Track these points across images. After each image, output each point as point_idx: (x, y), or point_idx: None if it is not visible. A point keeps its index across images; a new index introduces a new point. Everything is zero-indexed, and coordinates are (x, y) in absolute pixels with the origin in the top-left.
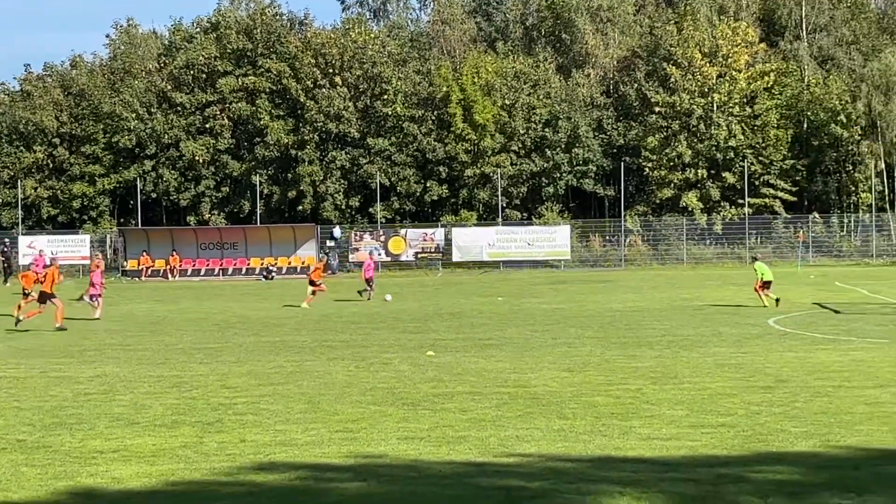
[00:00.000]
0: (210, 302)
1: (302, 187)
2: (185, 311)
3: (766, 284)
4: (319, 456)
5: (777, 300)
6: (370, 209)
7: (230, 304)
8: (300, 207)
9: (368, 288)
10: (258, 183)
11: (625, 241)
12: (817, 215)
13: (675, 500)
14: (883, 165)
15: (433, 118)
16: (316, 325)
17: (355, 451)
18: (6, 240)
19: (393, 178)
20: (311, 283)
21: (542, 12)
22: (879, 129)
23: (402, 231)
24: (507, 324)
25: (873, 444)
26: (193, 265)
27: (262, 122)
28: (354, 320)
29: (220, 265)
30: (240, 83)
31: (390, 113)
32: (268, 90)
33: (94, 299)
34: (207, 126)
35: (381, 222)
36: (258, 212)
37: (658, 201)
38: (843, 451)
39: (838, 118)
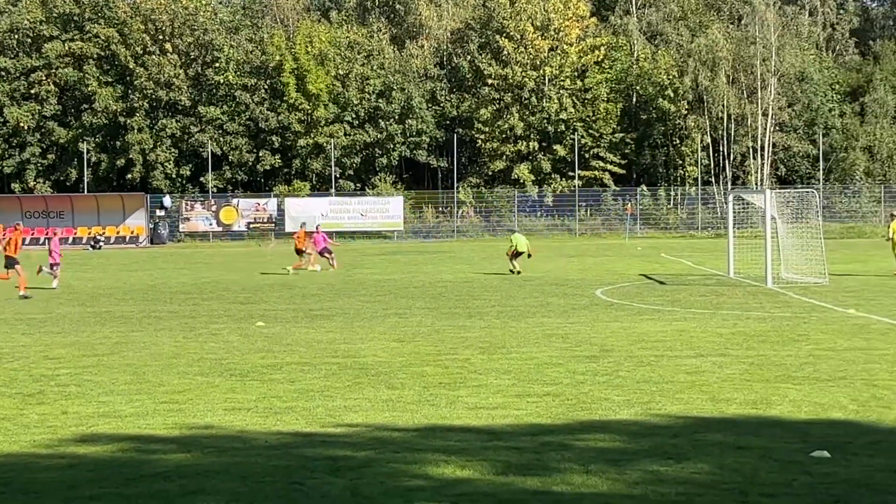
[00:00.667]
0: (33, 271)
1: (131, 155)
2: (7, 281)
3: (517, 254)
4: (143, 427)
5: (518, 272)
6: (201, 178)
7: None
8: (129, 176)
9: (327, 258)
10: (86, 150)
11: (457, 212)
12: (645, 188)
13: (499, 467)
14: (709, 140)
15: (266, 87)
16: (143, 295)
17: (180, 423)
18: None
19: (225, 148)
20: (298, 251)
21: None
22: (705, 104)
23: (234, 201)
24: (339, 294)
25: (693, 412)
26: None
27: (89, 89)
28: (184, 290)
29: (46, 234)
30: (66, 48)
31: (222, 81)
32: (96, 56)
33: (53, 269)
34: (33, 92)
35: (213, 192)
36: (86, 180)
37: (490, 173)
38: (664, 419)
39: (666, 93)
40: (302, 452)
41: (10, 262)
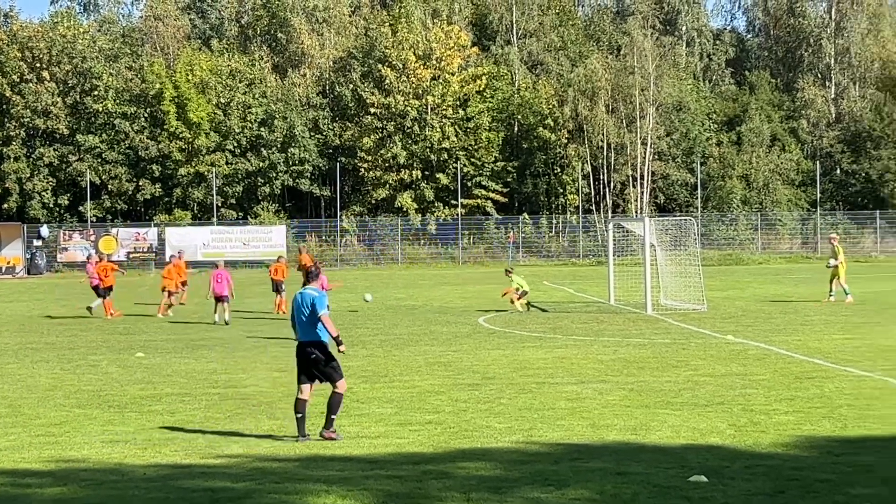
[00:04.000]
0: None
1: (7, 185)
2: None
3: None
4: (18, 461)
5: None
6: (80, 208)
7: None
8: (6, 206)
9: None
10: None
11: (341, 241)
12: (527, 216)
13: (380, 497)
14: (589, 168)
15: (146, 115)
16: (20, 326)
17: (56, 456)
18: None
19: (104, 177)
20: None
21: (258, 11)
22: (586, 133)
23: (114, 230)
24: (220, 324)
25: (573, 439)
26: None
27: None
28: (61, 321)
29: None
30: None
31: (101, 109)
32: None
33: None
34: None
35: (92, 221)
36: None
37: (373, 201)
38: (545, 446)
39: (546, 122)
40: (181, 484)
41: None
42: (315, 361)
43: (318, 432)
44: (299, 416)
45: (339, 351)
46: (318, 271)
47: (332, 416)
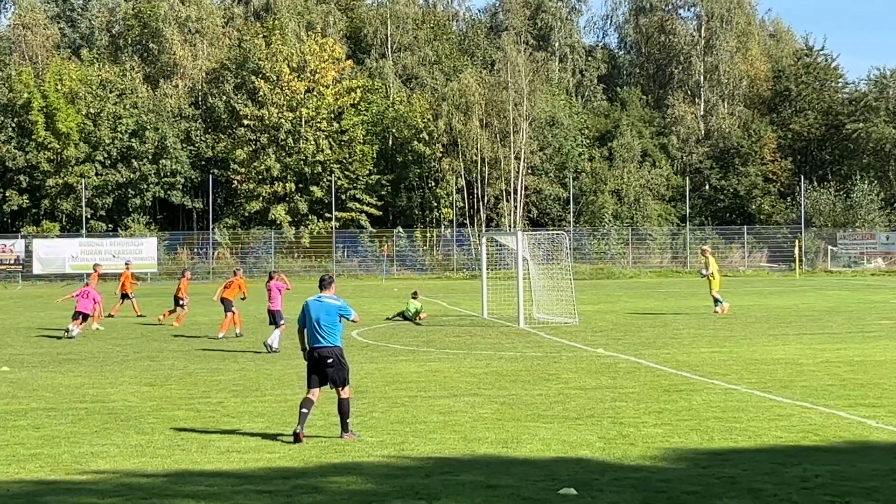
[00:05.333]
0: None
1: None
2: None
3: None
4: None
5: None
6: None
7: None
8: None
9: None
10: None
11: (213, 253)
12: (402, 230)
13: None
14: (463, 182)
15: (13, 125)
16: None
17: None
18: None
19: None
20: (177, 299)
21: (129, 21)
22: (460, 148)
23: None
24: (88, 338)
25: (445, 453)
26: None
27: None
28: None
29: None
30: None
31: None
32: None
33: None
34: None
35: None
36: None
37: (247, 214)
38: (416, 460)
39: (421, 135)
40: (45, 501)
41: None
42: (332, 366)
43: (339, 434)
44: (304, 410)
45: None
46: (332, 280)
47: (347, 420)
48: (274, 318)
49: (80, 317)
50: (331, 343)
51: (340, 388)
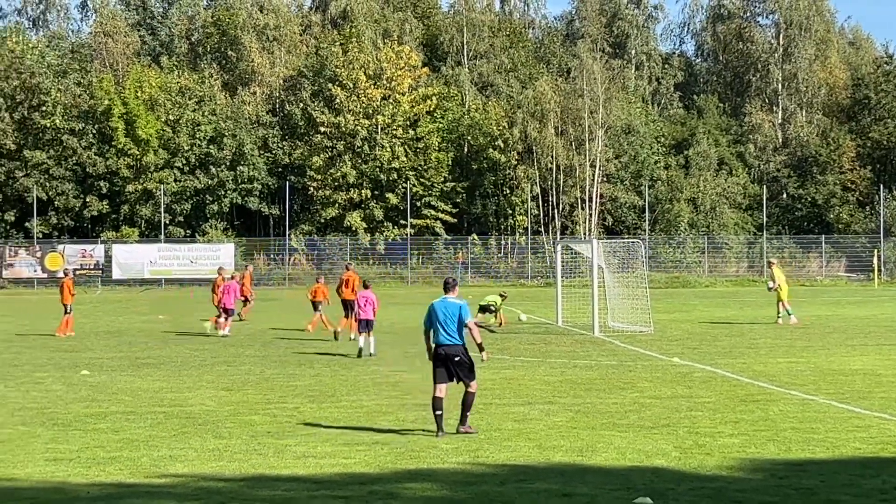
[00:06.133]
0: None
1: None
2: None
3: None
4: None
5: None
6: (26, 224)
7: None
8: None
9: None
10: None
11: (289, 259)
12: (476, 237)
13: None
14: (538, 190)
15: (94, 132)
16: None
17: None
18: None
19: (51, 193)
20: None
21: (208, 28)
22: (535, 155)
23: (60, 247)
24: (167, 342)
25: (520, 460)
26: None
27: None
28: (6, 338)
29: None
30: None
31: (49, 125)
32: None
33: None
34: None
35: (38, 237)
36: None
37: (323, 220)
38: (491, 468)
39: (496, 143)
40: None
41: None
42: (458, 363)
43: (456, 428)
44: (438, 413)
45: (481, 359)
46: (455, 282)
47: (467, 413)
48: (366, 326)
49: (225, 313)
50: (454, 341)
51: (469, 383)
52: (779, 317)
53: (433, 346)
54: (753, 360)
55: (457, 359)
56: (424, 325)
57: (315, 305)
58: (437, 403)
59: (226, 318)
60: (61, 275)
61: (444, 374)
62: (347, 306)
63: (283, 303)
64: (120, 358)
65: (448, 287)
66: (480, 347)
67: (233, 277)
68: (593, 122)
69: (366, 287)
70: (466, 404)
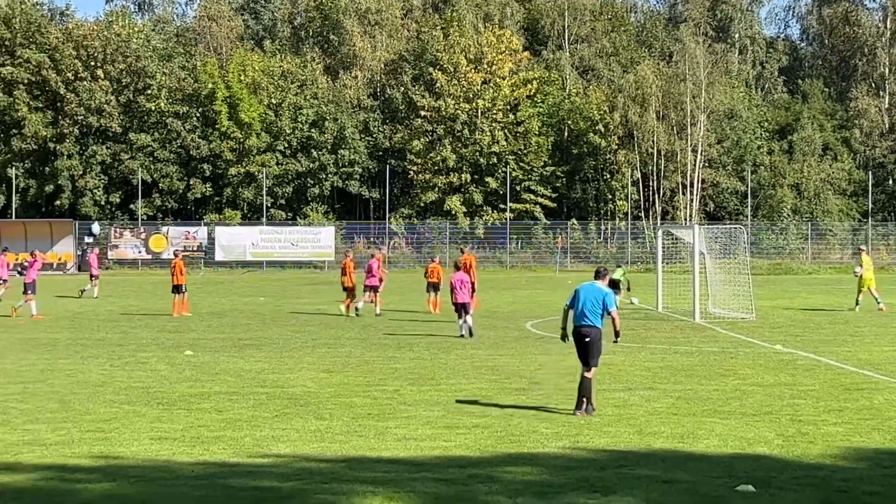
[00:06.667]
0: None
1: (60, 182)
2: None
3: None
4: (68, 456)
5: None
6: (131, 205)
7: None
8: (58, 202)
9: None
10: (14, 176)
11: (389, 243)
12: (576, 222)
13: (427, 499)
14: (639, 175)
15: (198, 115)
16: (70, 322)
17: (105, 452)
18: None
19: (155, 175)
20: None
21: (311, 12)
22: (636, 140)
23: (164, 229)
24: (269, 324)
25: (620, 446)
26: None
27: (19, 114)
28: (111, 318)
29: None
30: None
31: (154, 108)
32: (26, 81)
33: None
34: None
35: (143, 219)
36: (14, 206)
37: (422, 204)
38: (591, 452)
39: (597, 127)
40: (228, 483)
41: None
42: (589, 344)
43: (573, 411)
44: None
45: (613, 341)
46: (606, 272)
47: (583, 398)
48: (463, 308)
49: (370, 290)
50: (592, 324)
51: (589, 368)
52: (857, 305)
53: (573, 326)
54: (858, 349)
55: (587, 339)
56: (566, 305)
57: (432, 287)
58: (587, 385)
59: (369, 294)
60: (167, 255)
61: (581, 354)
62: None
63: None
64: (223, 339)
65: (599, 275)
66: (617, 335)
67: (372, 256)
68: (695, 106)
69: (458, 269)
70: (583, 389)
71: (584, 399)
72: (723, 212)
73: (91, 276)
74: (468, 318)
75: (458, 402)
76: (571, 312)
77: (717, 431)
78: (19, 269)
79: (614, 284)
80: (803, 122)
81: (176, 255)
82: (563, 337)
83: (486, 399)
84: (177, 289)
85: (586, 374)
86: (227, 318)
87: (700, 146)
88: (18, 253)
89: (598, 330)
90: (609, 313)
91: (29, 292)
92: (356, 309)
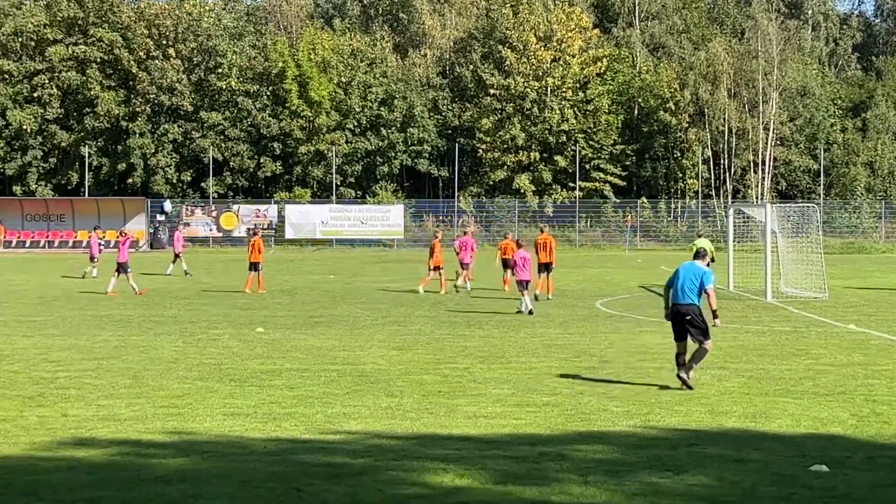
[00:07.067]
0: (35, 274)
1: (132, 160)
2: (8, 283)
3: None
4: (142, 431)
5: None
6: (202, 184)
7: (56, 277)
8: (130, 180)
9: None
10: (87, 154)
11: (458, 221)
12: (645, 200)
13: (497, 476)
14: (709, 153)
15: (268, 93)
16: (143, 299)
17: (179, 428)
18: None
19: (226, 153)
20: (505, 263)
21: None
22: (706, 118)
23: (235, 207)
24: (339, 301)
25: (691, 425)
26: (18, 237)
27: (92, 93)
28: (183, 295)
29: (47, 237)
30: (70, 52)
31: (224, 87)
32: (99, 60)
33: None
34: (35, 95)
35: (214, 197)
36: (87, 184)
37: (491, 183)
38: (663, 431)
39: (667, 105)
40: (300, 459)
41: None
42: (689, 322)
43: (676, 374)
44: (680, 361)
45: (713, 324)
46: (706, 253)
47: (694, 365)
48: (525, 286)
49: (464, 267)
50: (689, 301)
51: (703, 341)
52: None
53: (670, 304)
54: None
55: (688, 318)
56: (666, 285)
57: (506, 263)
58: (677, 359)
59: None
60: (238, 233)
61: (678, 332)
62: (543, 268)
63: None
64: (293, 316)
65: (698, 256)
66: (714, 314)
67: (464, 233)
68: (767, 84)
69: (519, 246)
70: (696, 356)
71: (694, 365)
72: (795, 190)
73: (175, 255)
74: (529, 295)
75: (528, 379)
76: (671, 292)
77: (790, 411)
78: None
79: (698, 255)
80: (877, 99)
81: (255, 234)
82: (667, 316)
83: (556, 377)
84: (254, 266)
85: (704, 346)
86: (298, 295)
87: (772, 124)
88: (91, 230)
89: (696, 307)
90: (706, 291)
91: (128, 271)
92: (455, 288)
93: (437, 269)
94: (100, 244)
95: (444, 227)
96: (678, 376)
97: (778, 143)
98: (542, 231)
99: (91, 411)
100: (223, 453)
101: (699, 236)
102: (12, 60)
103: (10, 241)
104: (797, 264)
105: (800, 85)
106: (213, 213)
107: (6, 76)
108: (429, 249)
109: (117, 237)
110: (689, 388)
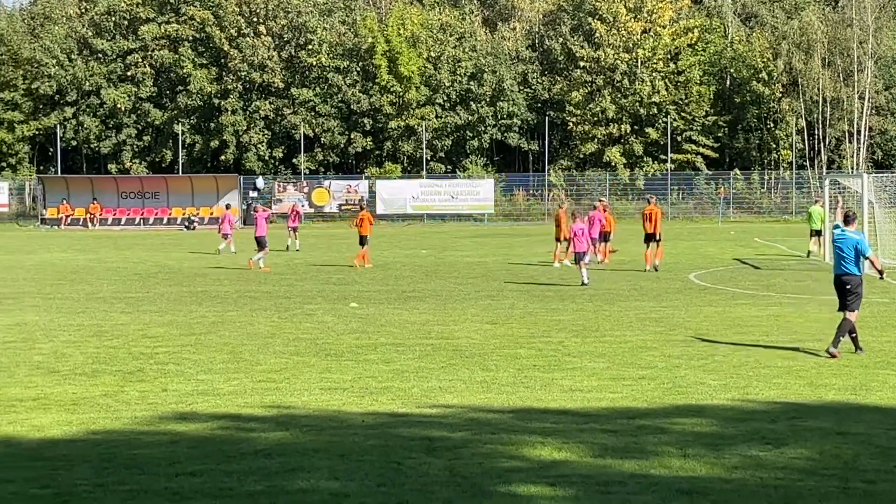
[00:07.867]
0: (131, 251)
1: (225, 137)
2: (106, 260)
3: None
4: (241, 406)
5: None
6: (294, 160)
7: (152, 254)
8: (223, 157)
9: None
10: (180, 132)
11: (548, 195)
12: (738, 172)
13: (596, 450)
14: (804, 123)
15: (358, 69)
16: (238, 276)
17: (277, 402)
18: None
19: (317, 130)
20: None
21: None
22: (800, 88)
23: (326, 183)
24: (431, 276)
25: (791, 398)
26: (114, 214)
27: (184, 71)
28: (277, 271)
29: (142, 214)
30: (162, 30)
31: (315, 63)
32: (191, 38)
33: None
34: (129, 73)
35: (305, 173)
36: (180, 161)
37: (582, 156)
38: (762, 405)
39: (760, 75)
40: (398, 432)
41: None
42: (849, 292)
43: (826, 349)
44: (853, 335)
45: (880, 278)
46: (855, 216)
47: (840, 337)
48: (581, 258)
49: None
50: (849, 271)
51: (850, 312)
52: None
53: (833, 275)
54: None
55: (848, 287)
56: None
57: (601, 236)
58: (845, 326)
59: (594, 246)
60: (329, 209)
61: (842, 302)
62: (649, 238)
63: (543, 238)
64: (387, 291)
65: (847, 220)
66: (881, 273)
67: (594, 208)
68: (862, 52)
69: (575, 218)
70: (841, 328)
71: (840, 338)
72: (891, 160)
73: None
74: (585, 266)
75: (623, 353)
76: (833, 261)
77: (891, 383)
78: (187, 223)
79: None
80: None
81: (362, 208)
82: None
83: (652, 351)
84: (363, 240)
85: (849, 317)
86: (390, 270)
87: (867, 93)
88: (185, 207)
89: (857, 277)
90: (866, 258)
91: (265, 247)
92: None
93: (565, 240)
94: (233, 221)
95: (535, 201)
96: (826, 352)
97: (874, 112)
98: (648, 202)
99: (191, 386)
100: (322, 427)
101: (816, 202)
102: (106, 39)
103: (106, 219)
104: (895, 235)
105: None
106: (305, 189)
107: (100, 55)
108: (554, 220)
109: (252, 212)
110: (836, 356)
